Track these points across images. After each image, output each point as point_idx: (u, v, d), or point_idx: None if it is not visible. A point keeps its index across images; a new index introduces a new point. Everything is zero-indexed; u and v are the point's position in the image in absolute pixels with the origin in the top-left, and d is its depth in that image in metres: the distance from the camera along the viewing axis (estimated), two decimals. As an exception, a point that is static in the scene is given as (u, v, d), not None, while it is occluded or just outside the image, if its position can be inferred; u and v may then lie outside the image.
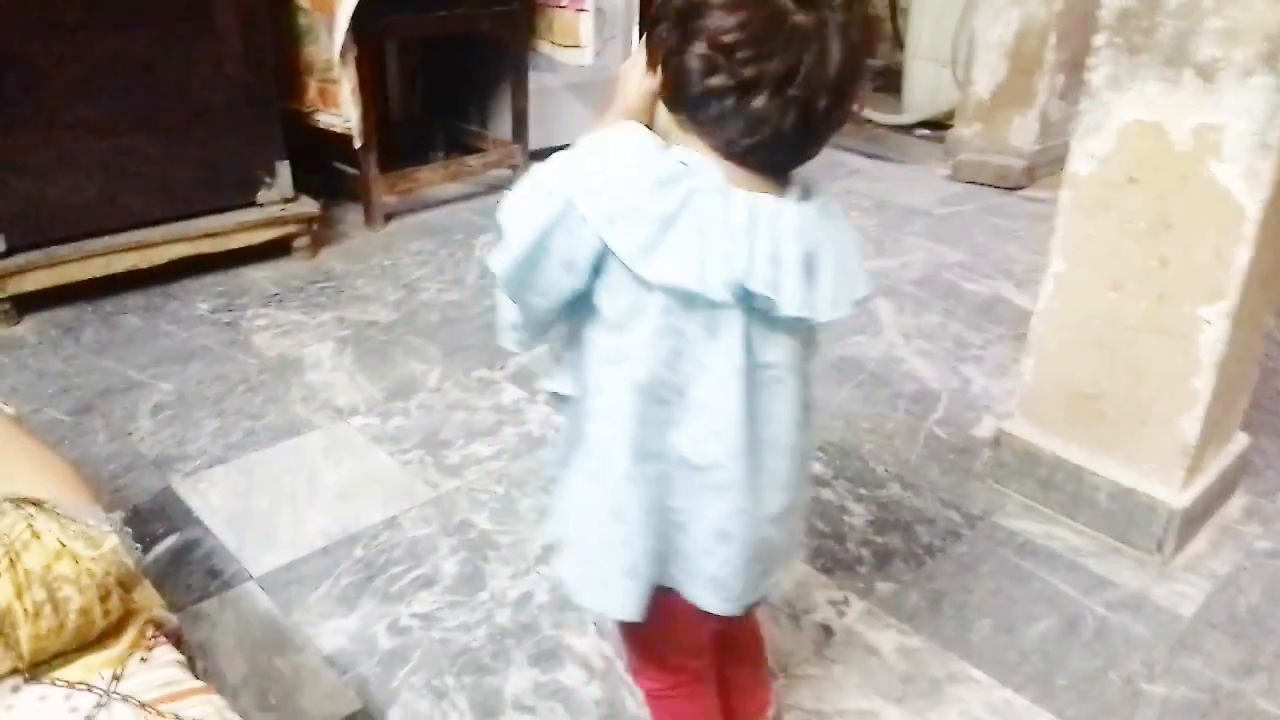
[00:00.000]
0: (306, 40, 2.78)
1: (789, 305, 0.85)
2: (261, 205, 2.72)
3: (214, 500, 1.85)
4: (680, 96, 0.86)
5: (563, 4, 3.22)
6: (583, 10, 3.19)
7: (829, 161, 3.92)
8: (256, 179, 2.70)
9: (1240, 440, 1.93)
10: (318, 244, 2.90)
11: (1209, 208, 1.59)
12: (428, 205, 3.32)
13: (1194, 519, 1.82)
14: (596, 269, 0.86)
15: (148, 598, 0.94)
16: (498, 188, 3.49)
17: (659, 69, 0.87)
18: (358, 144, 2.86)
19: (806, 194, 0.89)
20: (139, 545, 0.93)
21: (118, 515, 0.88)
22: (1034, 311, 1.87)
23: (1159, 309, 1.69)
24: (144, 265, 2.55)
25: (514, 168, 3.46)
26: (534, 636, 1.58)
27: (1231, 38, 1.49)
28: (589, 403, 0.95)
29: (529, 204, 0.86)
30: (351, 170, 3.07)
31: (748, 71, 0.80)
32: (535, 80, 3.46)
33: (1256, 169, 1.53)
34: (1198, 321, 1.65)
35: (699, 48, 0.82)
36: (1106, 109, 1.66)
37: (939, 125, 4.21)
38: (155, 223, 2.55)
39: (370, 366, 2.34)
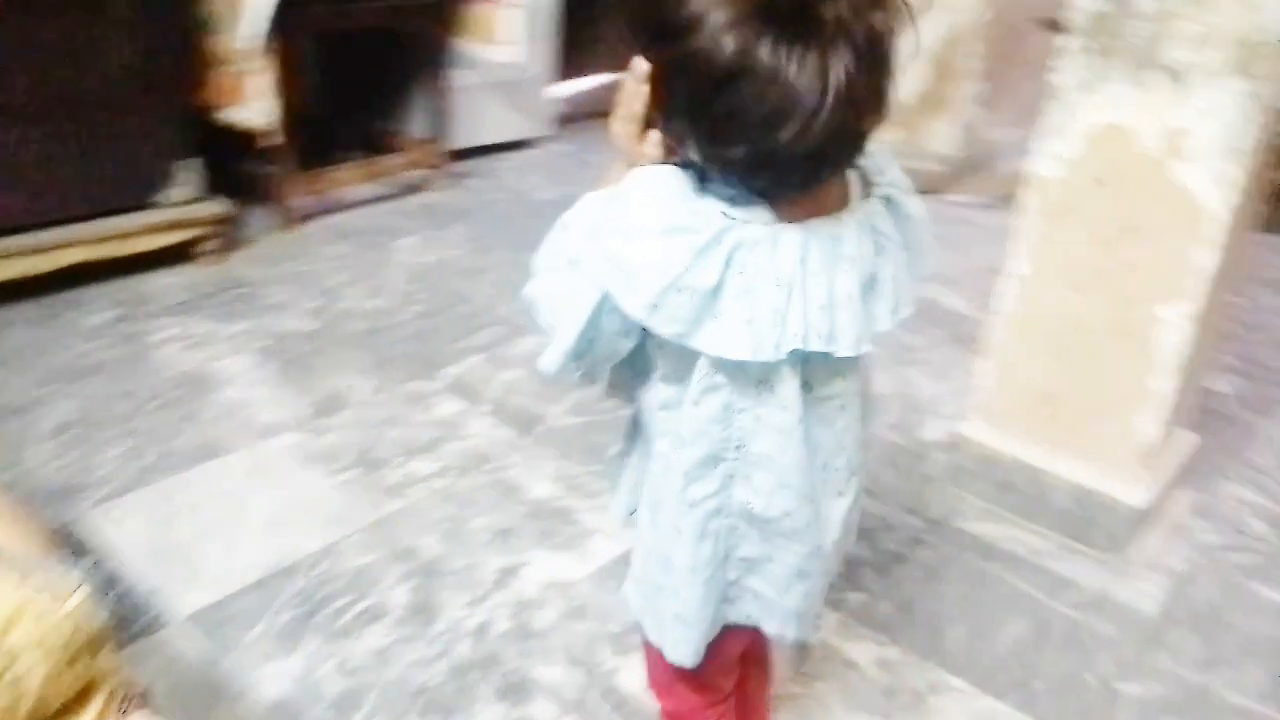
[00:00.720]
0: (214, 29, 2.59)
1: (846, 348, 0.78)
2: (165, 206, 2.52)
3: (129, 532, 1.68)
4: (710, 158, 0.74)
5: (485, -2, 3.10)
6: (511, 6, 3.07)
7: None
8: (159, 178, 2.49)
9: (1189, 439, 1.96)
10: (226, 248, 2.70)
11: (1175, 211, 1.59)
12: (343, 207, 3.14)
13: (1149, 518, 1.83)
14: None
15: (111, 657, 0.81)
16: (415, 188, 3.34)
17: (675, 134, 0.75)
18: (273, 141, 2.68)
19: (868, 185, 0.81)
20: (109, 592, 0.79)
21: (89, 560, 0.75)
22: (990, 314, 1.85)
23: (1121, 311, 1.69)
24: (35, 272, 2.32)
25: (434, 167, 3.31)
26: (498, 669, 1.47)
27: (1203, 41, 1.50)
28: (653, 440, 0.89)
29: (566, 286, 0.79)
30: (262, 169, 2.88)
31: (755, 133, 0.69)
32: (455, 78, 3.32)
33: (1224, 172, 1.53)
34: (1158, 322, 1.66)
35: (707, 120, 0.71)
36: (1073, 112, 1.65)
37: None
38: (47, 225, 2.33)
39: (293, 380, 2.18)
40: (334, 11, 2.91)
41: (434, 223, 3.10)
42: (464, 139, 3.49)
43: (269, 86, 2.63)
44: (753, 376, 0.79)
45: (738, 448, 0.83)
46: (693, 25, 0.68)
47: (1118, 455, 1.77)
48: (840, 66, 0.67)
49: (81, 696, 0.76)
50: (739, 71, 0.67)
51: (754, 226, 0.74)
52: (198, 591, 1.56)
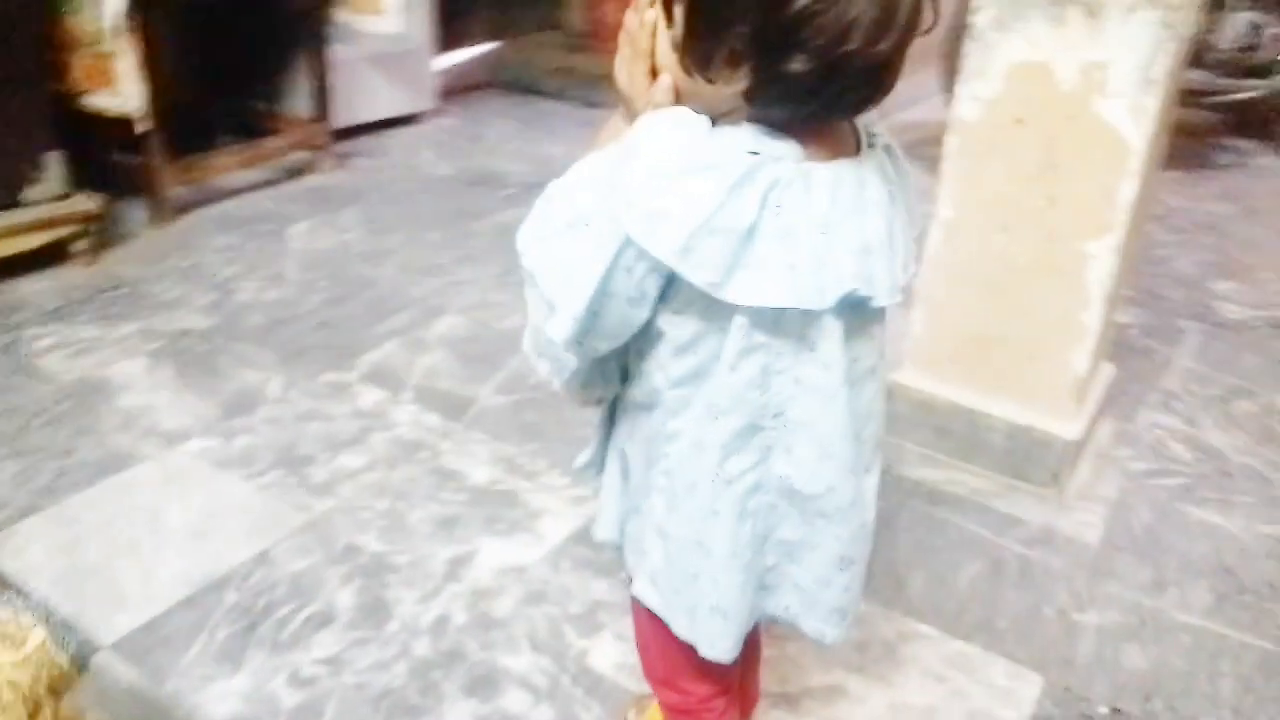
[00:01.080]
0: (68, 10, 2.38)
1: (884, 295, 0.75)
2: (28, 205, 2.31)
3: (33, 559, 1.52)
4: (773, 92, 0.69)
5: (361, -33, 2.94)
6: (384, -27, 2.93)
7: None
8: (20, 174, 2.28)
9: (1107, 370, 2.01)
10: (100, 246, 2.50)
11: (1096, 145, 1.61)
12: (223, 195, 2.95)
13: (1081, 450, 1.88)
14: (663, 293, 0.73)
15: (80, 697, 0.71)
16: (300, 171, 3.17)
17: (741, 68, 0.69)
18: (142, 127, 2.48)
19: (870, 137, 0.77)
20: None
21: (41, 605, 0.65)
22: (919, 262, 1.86)
23: (1048, 248, 1.71)
24: (-116, 284, 2.10)
25: (317, 148, 3.15)
26: (463, 664, 1.40)
27: (1115, -28, 1.51)
28: (665, 421, 0.81)
29: (573, 249, 0.71)
30: (133, 160, 2.67)
31: (860, 58, 0.65)
32: (335, 53, 3.15)
33: (1142, 104, 1.56)
34: (1086, 257, 1.69)
35: (803, 54, 0.65)
36: (991, 52, 1.65)
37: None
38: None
39: (195, 381, 2.03)
40: (196, -14, 2.72)
41: (325, 206, 2.95)
42: (348, 116, 3.33)
43: (135, 69, 2.43)
44: (792, 333, 0.74)
45: (775, 415, 0.77)
46: None
47: (1051, 391, 1.80)
48: None
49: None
50: None
51: (786, 163, 0.69)
52: (121, 616, 1.43)
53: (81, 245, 2.43)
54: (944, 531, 1.72)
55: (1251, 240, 3.02)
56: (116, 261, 2.51)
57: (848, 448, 0.79)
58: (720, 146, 0.69)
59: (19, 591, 1.42)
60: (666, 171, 0.68)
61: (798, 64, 0.65)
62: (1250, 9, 3.45)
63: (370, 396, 2.01)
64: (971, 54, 1.68)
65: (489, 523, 1.68)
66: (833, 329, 0.74)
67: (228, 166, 2.93)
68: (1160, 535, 1.74)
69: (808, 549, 0.84)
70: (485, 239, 2.78)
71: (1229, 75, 3.49)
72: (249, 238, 2.71)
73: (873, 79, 0.69)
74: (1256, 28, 3.45)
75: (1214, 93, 3.50)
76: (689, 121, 0.70)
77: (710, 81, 0.70)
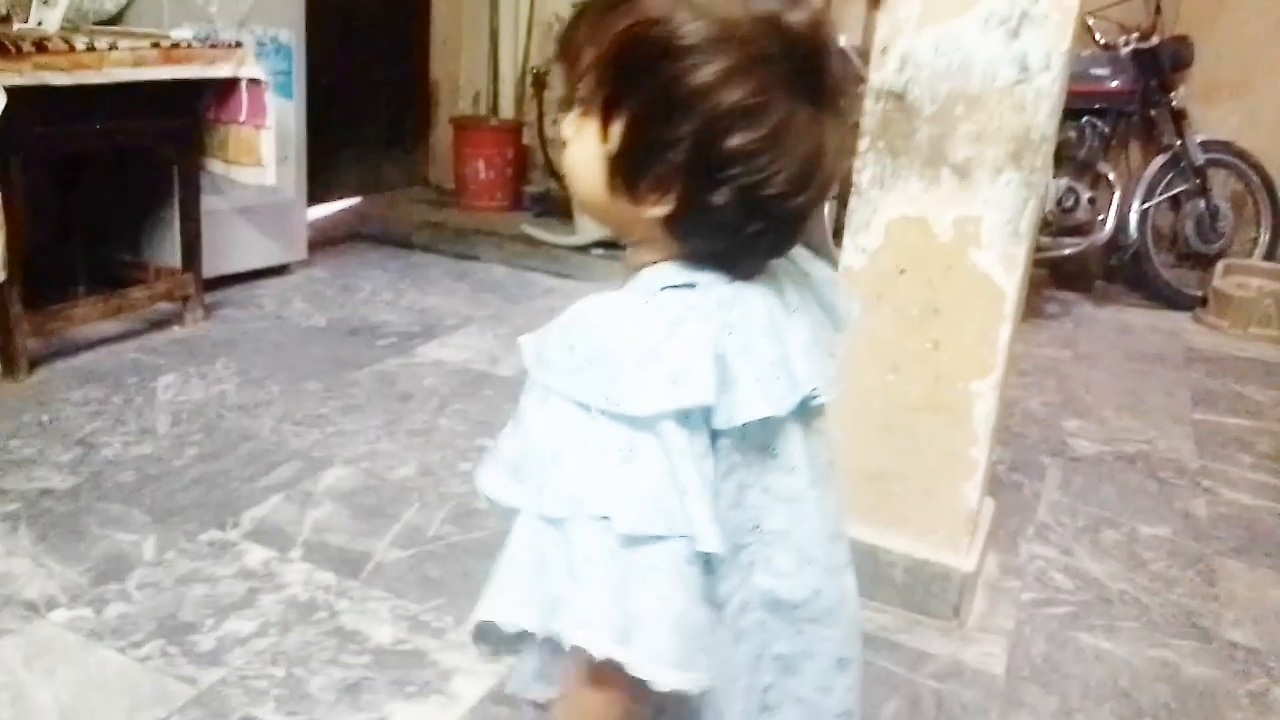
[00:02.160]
0: (-77, 154, 2.26)
1: (828, 389, 0.77)
2: None
3: None
4: (692, 221, 0.71)
5: (240, 120, 2.93)
6: (263, 127, 2.93)
7: (522, 282, 3.92)
8: None
9: (989, 503, 2.12)
10: (-56, 402, 2.31)
11: (973, 292, 1.75)
12: (83, 346, 2.79)
13: (975, 582, 1.95)
14: None
15: None
16: (162, 323, 3.04)
17: (668, 194, 0.70)
18: (0, 278, 2.34)
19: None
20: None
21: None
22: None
23: (936, 388, 1.82)
24: None
25: (185, 299, 3.04)
26: (380, 844, 1.29)
27: (982, 140, 1.68)
28: None
29: (658, 469, 0.68)
30: (-17, 310, 2.50)
31: (780, 204, 0.70)
32: (204, 203, 3.10)
33: (1011, 254, 1.71)
34: (971, 396, 1.80)
35: (729, 189, 0.68)
36: (874, 206, 1.79)
37: (613, 245, 4.38)
38: None
39: (58, 546, 1.86)
40: (63, 133, 2.63)
41: (195, 358, 2.83)
42: (215, 266, 3.24)
43: (-3, 216, 2.31)
44: (755, 443, 0.74)
45: (753, 529, 0.76)
46: (709, 57, 0.67)
47: (946, 525, 1.87)
48: (841, 130, 0.71)
49: None
50: (754, 114, 0.67)
51: (720, 287, 0.73)
52: (-22, 818, 1.26)
53: (-77, 401, 2.24)
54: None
55: (1088, 381, 3.29)
56: (-38, 418, 2.32)
57: (825, 549, 0.80)
58: (661, 303, 0.71)
59: None
60: (649, 353, 0.68)
61: (721, 197, 0.68)
62: (1066, 176, 3.87)
63: (257, 555, 1.89)
64: (856, 209, 1.81)
65: (397, 686, 1.58)
66: (793, 432, 0.76)
67: (89, 317, 2.79)
68: (1058, 663, 1.80)
69: (804, 659, 0.82)
70: (367, 388, 2.72)
71: (1052, 234, 3.87)
72: (113, 390, 2.56)
73: (786, 227, 0.73)
74: (1073, 191, 3.87)
75: (1041, 249, 3.86)
76: (620, 305, 0.72)
77: (632, 203, 0.72)
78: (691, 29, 0.67)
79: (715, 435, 0.71)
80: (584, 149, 0.73)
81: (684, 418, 0.68)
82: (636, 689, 0.67)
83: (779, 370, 0.73)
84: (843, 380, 0.80)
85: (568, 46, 0.73)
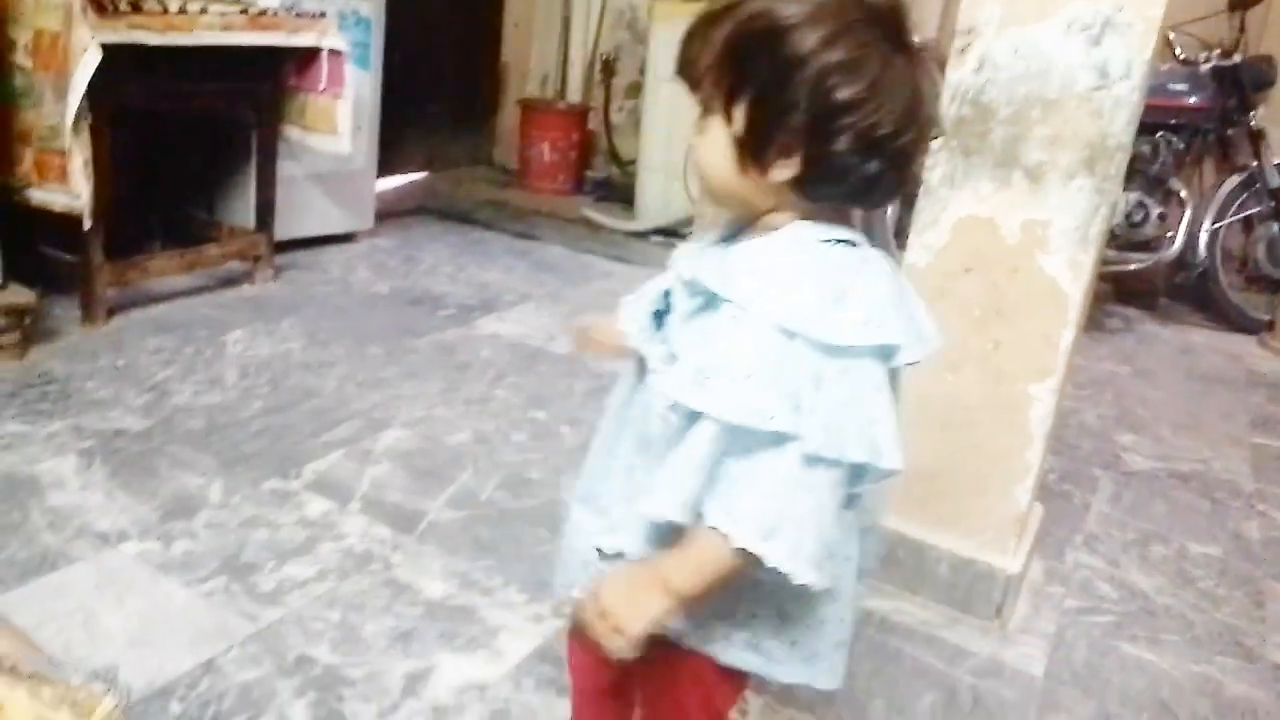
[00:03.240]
0: (24, 104, 2.36)
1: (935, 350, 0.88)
2: (-40, 293, 2.22)
3: (-48, 663, 1.41)
4: (820, 173, 0.82)
5: (319, 88, 3.01)
6: (340, 96, 3.00)
7: (579, 264, 3.96)
8: (-44, 261, 2.20)
9: (1038, 509, 2.11)
10: (29, 341, 2.41)
11: (1038, 295, 1.75)
12: (156, 299, 2.89)
13: (1019, 585, 1.95)
14: None
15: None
16: (233, 281, 3.14)
17: (794, 155, 0.81)
18: (87, 225, 2.44)
19: None
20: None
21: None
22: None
23: (994, 389, 1.82)
24: None
25: (256, 259, 3.13)
26: (426, 784, 1.34)
27: (1056, 144, 1.68)
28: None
29: (852, 391, 0.81)
30: (68, 256, 2.60)
31: (892, 143, 0.80)
32: (277, 168, 3.18)
33: (1078, 260, 1.71)
34: (1029, 399, 1.80)
35: (846, 136, 0.79)
36: (943, 204, 1.79)
37: (672, 233, 4.40)
38: None
39: (130, 483, 1.94)
40: (151, 91, 2.72)
41: (261, 316, 2.91)
42: (285, 230, 3.32)
43: (84, 168, 2.40)
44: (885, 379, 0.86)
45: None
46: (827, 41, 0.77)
47: (995, 526, 1.88)
48: (931, 75, 0.82)
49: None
50: (856, 68, 0.77)
51: (868, 247, 0.85)
52: (51, 727, 1.33)
53: (10, 339, 2.34)
54: (898, 660, 1.75)
55: (1145, 398, 3.25)
56: (46, 357, 2.41)
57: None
58: (837, 253, 0.83)
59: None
60: (841, 294, 0.80)
61: (841, 144, 0.78)
62: (1137, 190, 3.81)
63: (317, 506, 1.96)
64: (924, 207, 1.82)
65: (446, 638, 1.63)
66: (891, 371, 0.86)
67: (165, 270, 2.88)
68: (1099, 670, 1.80)
69: (852, 564, 0.95)
70: (426, 356, 2.78)
71: (1119, 249, 3.82)
72: (185, 341, 2.65)
73: (899, 165, 0.82)
74: (1143, 206, 3.81)
75: (1106, 263, 3.82)
76: (795, 249, 0.83)
77: (763, 173, 0.81)
78: (790, 12, 0.77)
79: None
80: (713, 140, 0.84)
81: (878, 352, 0.80)
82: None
83: (920, 324, 0.85)
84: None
85: (686, 66, 0.84)
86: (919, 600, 1.93)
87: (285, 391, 2.44)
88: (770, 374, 0.78)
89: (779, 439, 0.78)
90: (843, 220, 0.86)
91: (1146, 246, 3.90)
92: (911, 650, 1.78)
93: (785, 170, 0.81)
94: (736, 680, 0.98)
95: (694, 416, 0.80)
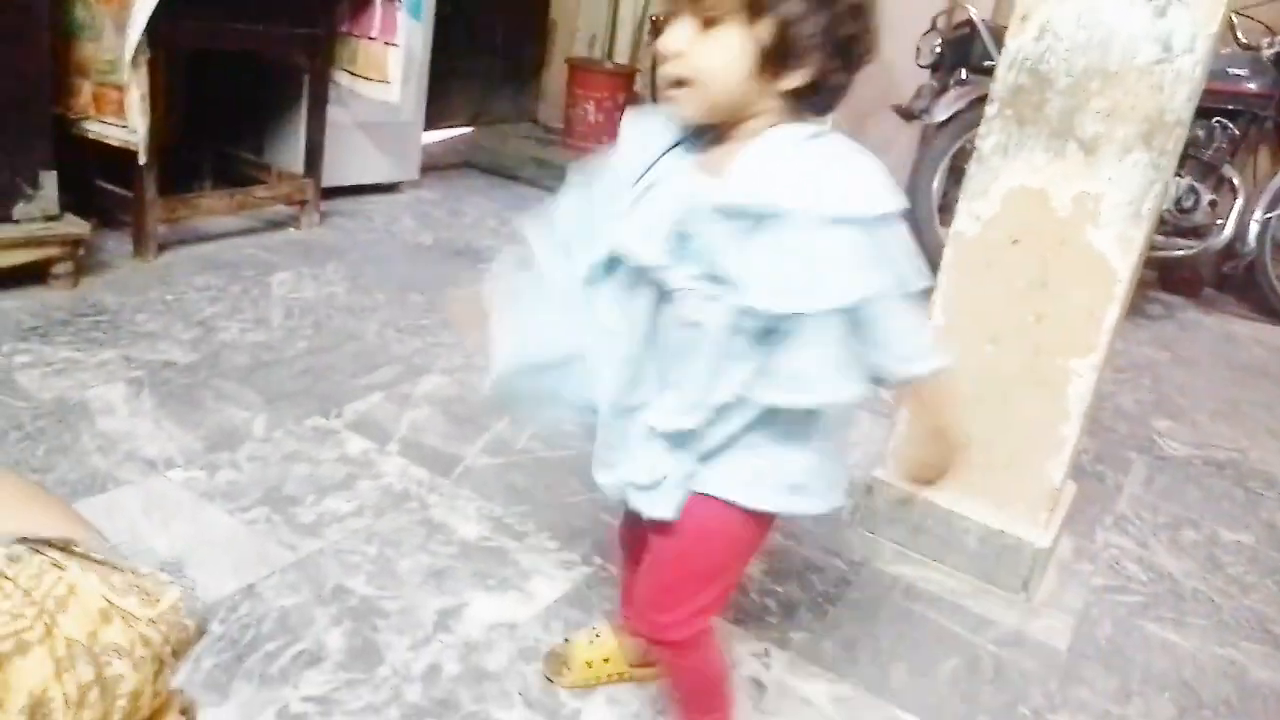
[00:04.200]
0: (84, 36, 2.39)
1: None
2: (18, 221, 2.27)
3: (6, 572, 1.46)
4: (823, 85, 0.97)
5: (372, 35, 3.02)
6: (393, 44, 3.01)
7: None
8: (15, 190, 2.25)
9: (1070, 487, 2.11)
10: (81, 271, 2.46)
11: (1085, 269, 1.73)
12: (202, 237, 2.94)
13: (1047, 559, 1.95)
14: None
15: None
16: (280, 223, 3.18)
17: (808, 68, 0.95)
18: (142, 160, 2.48)
19: None
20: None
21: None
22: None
23: (1034, 361, 1.82)
24: None
25: (302, 203, 3.16)
26: (455, 714, 1.37)
27: (1114, 117, 1.66)
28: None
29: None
30: (121, 190, 2.65)
31: (865, 63, 0.98)
32: (326, 114, 3.20)
33: (1129, 235, 1.70)
34: (1069, 373, 1.79)
35: (856, 55, 0.97)
36: (994, 174, 1.78)
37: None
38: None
39: (177, 413, 1.99)
40: (208, 29, 2.75)
41: (306, 259, 2.95)
42: (332, 176, 3.35)
43: (141, 102, 2.44)
44: None
45: None
46: None
47: (1026, 499, 1.88)
48: None
49: (156, 714, 0.65)
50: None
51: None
52: (99, 638, 1.38)
53: (64, 268, 2.39)
54: (922, 626, 1.76)
55: (1184, 385, 3.22)
56: (97, 288, 2.47)
57: None
58: (831, 142, 0.98)
59: None
60: (857, 171, 0.95)
61: (852, 61, 0.96)
62: (1189, 175, 3.75)
63: (356, 445, 2.00)
64: (974, 175, 1.81)
65: (479, 577, 1.67)
66: None
67: (214, 209, 2.93)
68: (1122, 647, 1.81)
69: None
70: (467, 308, 2.81)
71: (1166, 234, 3.76)
72: (231, 280, 2.69)
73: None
74: (1194, 192, 3.74)
75: (1152, 248, 3.76)
76: (797, 148, 0.97)
77: (772, 80, 0.94)
78: None
79: None
80: (724, 47, 0.92)
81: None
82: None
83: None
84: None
85: None
86: (945, 569, 1.94)
87: (328, 333, 2.47)
88: (854, 255, 0.91)
89: (889, 295, 0.95)
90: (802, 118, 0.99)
91: (1195, 233, 3.84)
92: (936, 617, 1.80)
93: (795, 79, 0.93)
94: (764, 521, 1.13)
95: (776, 322, 0.95)
